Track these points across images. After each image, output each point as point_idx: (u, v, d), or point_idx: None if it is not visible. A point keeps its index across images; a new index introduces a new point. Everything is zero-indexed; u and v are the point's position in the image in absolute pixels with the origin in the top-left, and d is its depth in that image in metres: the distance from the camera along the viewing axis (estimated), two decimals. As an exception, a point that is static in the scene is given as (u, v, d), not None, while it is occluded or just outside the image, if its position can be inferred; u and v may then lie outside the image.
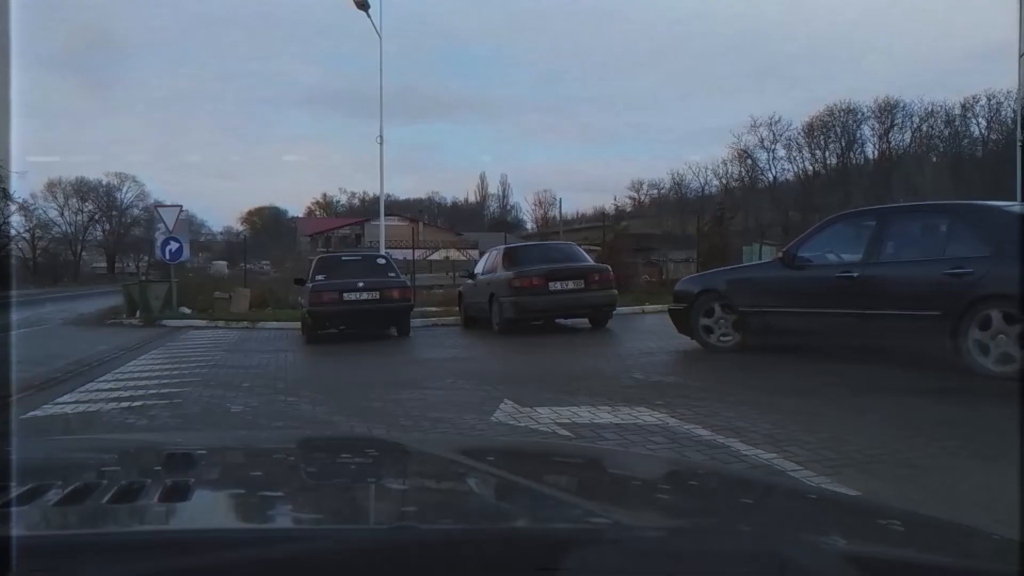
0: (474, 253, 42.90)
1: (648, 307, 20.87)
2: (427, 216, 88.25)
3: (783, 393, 7.79)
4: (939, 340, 8.35)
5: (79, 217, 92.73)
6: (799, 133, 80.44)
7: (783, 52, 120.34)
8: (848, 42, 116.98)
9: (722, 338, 11.13)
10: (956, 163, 71.00)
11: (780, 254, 10.68)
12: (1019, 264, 7.69)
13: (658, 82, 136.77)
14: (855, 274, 9.40)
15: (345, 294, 15.79)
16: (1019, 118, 26.78)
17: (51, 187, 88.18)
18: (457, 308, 19.85)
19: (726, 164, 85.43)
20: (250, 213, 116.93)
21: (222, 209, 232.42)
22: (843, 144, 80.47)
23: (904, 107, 77.31)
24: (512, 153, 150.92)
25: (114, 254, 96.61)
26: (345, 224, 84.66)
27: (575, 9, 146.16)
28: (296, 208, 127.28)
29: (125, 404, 8.75)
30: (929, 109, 76.05)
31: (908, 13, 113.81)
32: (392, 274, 16.99)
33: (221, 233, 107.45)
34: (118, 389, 9.92)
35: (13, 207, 64.77)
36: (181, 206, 25.10)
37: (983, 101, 72.33)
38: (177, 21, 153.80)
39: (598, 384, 8.73)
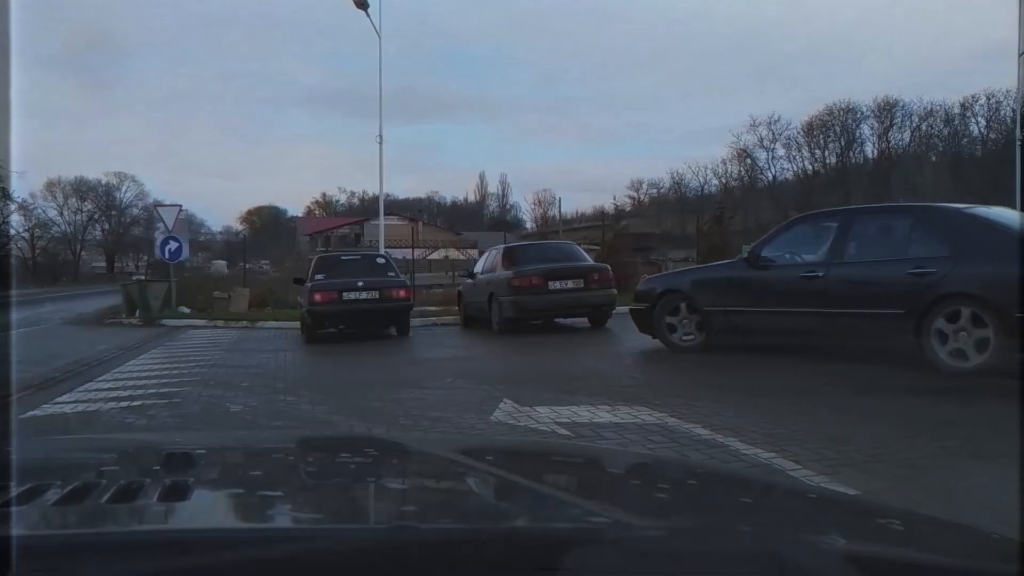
0: (473, 252, 42.98)
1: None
2: (426, 216, 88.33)
3: (782, 393, 7.79)
4: (903, 338, 8.60)
5: (78, 217, 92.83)
6: (798, 132, 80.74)
7: (783, 52, 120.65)
8: (848, 42, 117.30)
9: (685, 337, 11.24)
10: (956, 162, 71.08)
11: (744, 254, 10.78)
12: (979, 264, 8.21)
13: (658, 82, 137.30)
14: (820, 273, 9.57)
15: (344, 293, 15.77)
16: (1018, 117, 26.79)
17: (50, 186, 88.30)
18: (456, 308, 19.82)
19: (726, 163, 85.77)
20: (249, 213, 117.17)
21: (221, 209, 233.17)
22: (842, 143, 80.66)
23: (903, 106, 77.49)
24: (512, 153, 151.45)
25: (113, 254, 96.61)
26: (344, 224, 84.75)
27: (575, 9, 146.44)
28: (295, 208, 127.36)
29: (124, 404, 8.75)
30: (928, 108, 76.25)
31: (908, 13, 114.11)
32: (391, 273, 16.99)
33: (220, 233, 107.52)
34: (117, 389, 9.92)
35: (12, 206, 64.75)
36: (180, 206, 25.13)
37: (982, 100, 72.56)
38: (177, 21, 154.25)
39: (597, 383, 8.73)
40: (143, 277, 35.77)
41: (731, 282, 10.84)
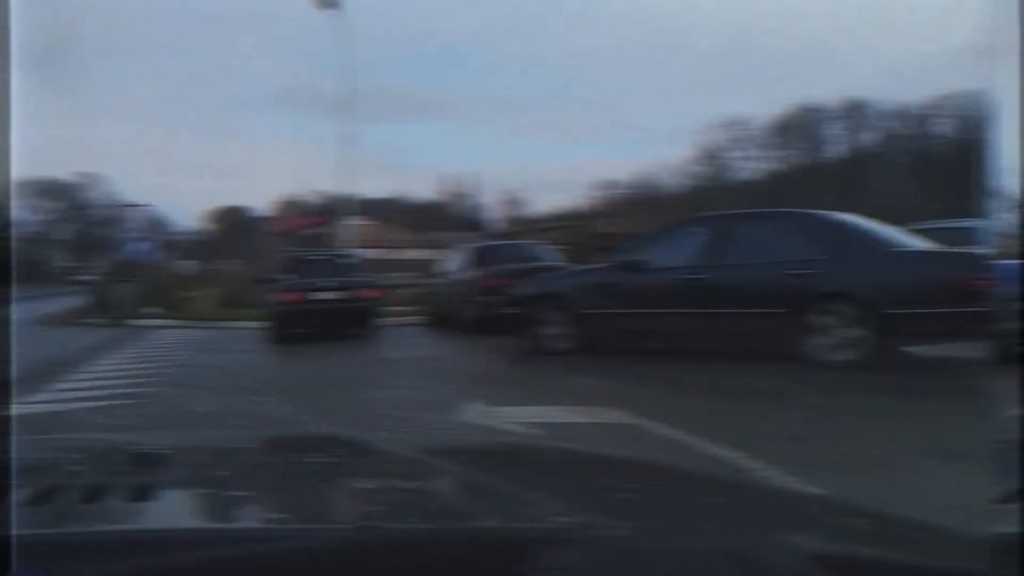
0: (443, 252, 42.93)
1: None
2: (396, 216, 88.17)
3: (749, 393, 7.83)
4: (785, 334, 9.08)
5: (47, 217, 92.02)
6: (769, 132, 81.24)
7: (758, 53, 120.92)
8: (823, 43, 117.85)
9: (552, 339, 11.35)
10: (925, 162, 71.60)
11: (622, 258, 11.03)
12: (854, 265, 8.99)
13: (626, 82, 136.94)
14: (703, 276, 9.87)
15: (312, 293, 15.70)
16: (986, 118, 27.13)
17: (19, 186, 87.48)
18: (425, 307, 19.80)
19: (696, 163, 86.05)
20: (218, 212, 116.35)
21: (190, 208, 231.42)
22: (812, 143, 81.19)
23: (873, 106, 78.10)
24: (481, 153, 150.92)
25: (82, 253, 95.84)
26: (314, 223, 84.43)
27: (549, 8, 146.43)
28: (264, 207, 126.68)
29: (92, 404, 8.67)
30: (900, 108, 76.85)
31: (902, 13, 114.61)
32: (359, 273, 16.94)
33: (189, 232, 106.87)
34: (84, 389, 9.82)
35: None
36: (149, 205, 24.98)
37: (952, 101, 73.10)
38: (145, 20, 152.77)
39: (567, 383, 8.75)
40: (107, 276, 35.43)
41: (609, 285, 10.97)
